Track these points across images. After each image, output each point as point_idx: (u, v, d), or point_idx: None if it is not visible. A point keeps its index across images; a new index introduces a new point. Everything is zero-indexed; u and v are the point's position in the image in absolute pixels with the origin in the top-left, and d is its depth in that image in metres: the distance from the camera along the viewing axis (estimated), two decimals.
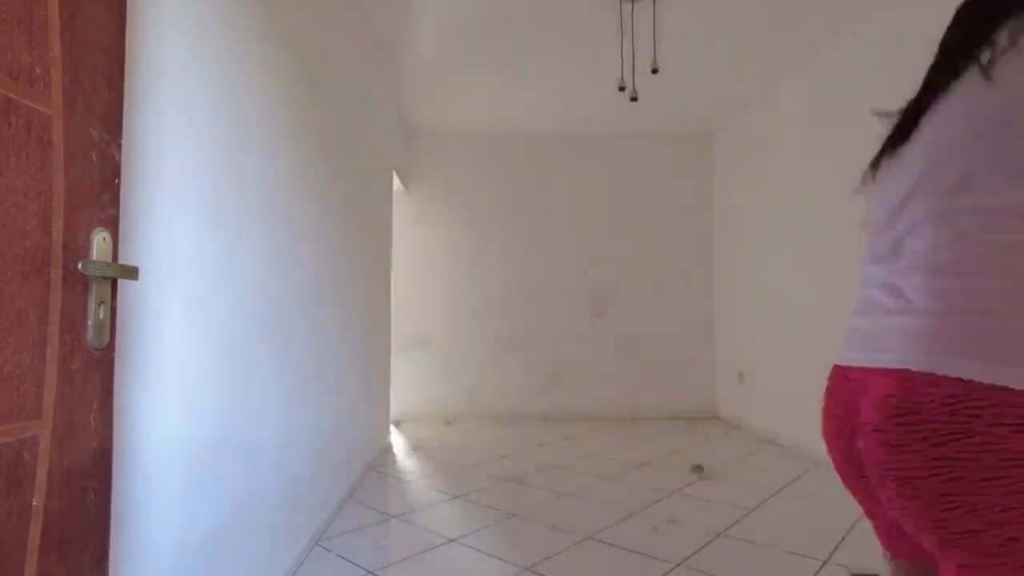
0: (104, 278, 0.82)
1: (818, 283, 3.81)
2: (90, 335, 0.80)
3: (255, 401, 1.85)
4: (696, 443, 4.38)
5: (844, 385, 0.80)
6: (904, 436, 0.63)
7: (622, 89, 3.34)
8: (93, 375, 0.81)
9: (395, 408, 4.96)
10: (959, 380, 0.60)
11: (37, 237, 0.72)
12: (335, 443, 2.82)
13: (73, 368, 0.77)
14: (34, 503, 0.71)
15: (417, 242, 5.45)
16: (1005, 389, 0.57)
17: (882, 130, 0.84)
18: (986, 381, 0.58)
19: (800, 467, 3.61)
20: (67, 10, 0.76)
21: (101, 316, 0.81)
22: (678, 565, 2.20)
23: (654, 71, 3.14)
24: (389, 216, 4.53)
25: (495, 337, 5.45)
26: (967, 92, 0.68)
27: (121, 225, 1.16)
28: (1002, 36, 0.67)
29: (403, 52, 3.91)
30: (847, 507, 2.85)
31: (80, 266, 0.78)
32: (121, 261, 1.14)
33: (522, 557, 2.28)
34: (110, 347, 0.84)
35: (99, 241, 0.81)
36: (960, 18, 0.80)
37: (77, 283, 0.78)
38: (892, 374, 0.66)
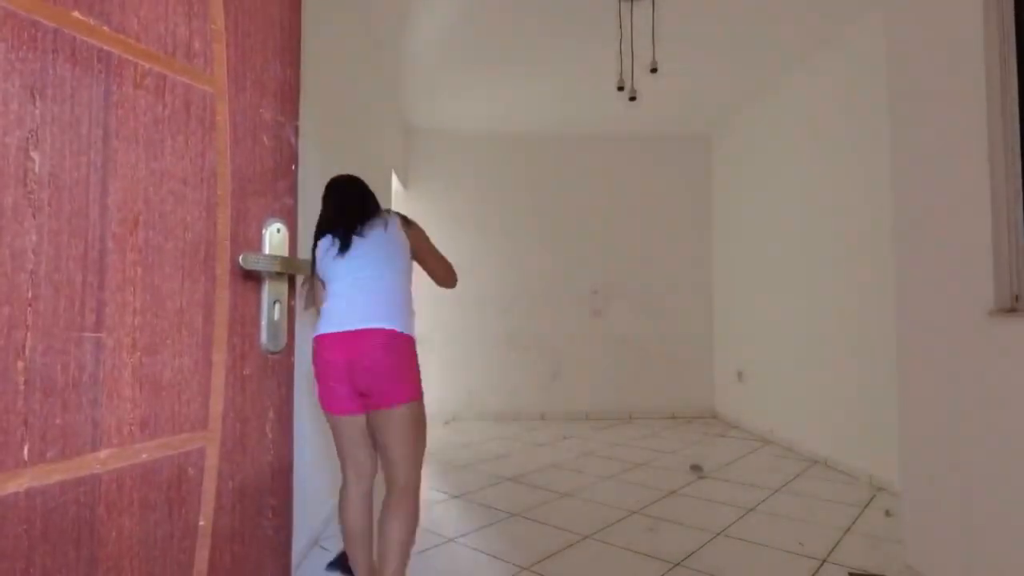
0: (279, 274, 0.73)
1: (817, 283, 3.81)
2: (264, 337, 0.71)
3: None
4: (695, 443, 4.38)
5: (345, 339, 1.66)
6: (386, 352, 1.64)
7: (621, 89, 3.34)
8: (268, 381, 0.72)
9: None
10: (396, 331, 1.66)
11: (199, 229, 0.64)
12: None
13: (245, 374, 0.69)
14: (201, 523, 0.64)
15: None
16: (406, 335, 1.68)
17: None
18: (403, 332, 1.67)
19: (799, 466, 3.61)
20: None
21: (276, 316, 0.73)
22: (677, 564, 2.20)
23: (653, 71, 3.14)
24: None
25: (495, 337, 5.45)
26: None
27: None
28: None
29: (403, 52, 3.91)
30: (846, 507, 2.85)
31: (251, 260, 0.69)
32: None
33: (521, 557, 2.28)
34: (288, 351, 0.75)
35: (272, 233, 0.73)
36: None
37: (248, 280, 0.70)
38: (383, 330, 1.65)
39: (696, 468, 3.54)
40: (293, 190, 0.76)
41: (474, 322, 5.44)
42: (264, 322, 0.72)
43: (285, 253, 0.74)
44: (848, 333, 3.52)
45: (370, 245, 1.72)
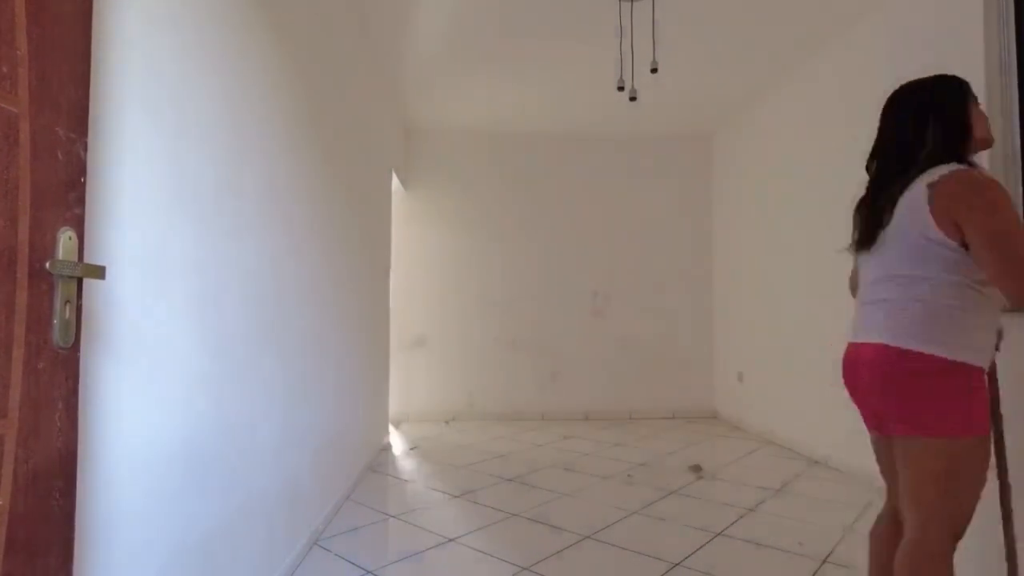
0: (70, 277, 0.81)
1: (817, 283, 3.81)
2: (56, 334, 0.79)
3: (253, 401, 1.85)
4: (695, 443, 4.38)
5: (851, 352, 1.48)
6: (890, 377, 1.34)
7: (621, 89, 3.33)
8: (58, 375, 0.80)
9: (394, 408, 4.96)
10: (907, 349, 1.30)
11: (3, 236, 0.71)
12: (334, 443, 2.82)
13: (39, 367, 0.77)
14: (0, 503, 0.71)
15: (416, 241, 5.45)
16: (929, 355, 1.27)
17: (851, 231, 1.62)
18: (924, 351, 1.27)
19: (798, 466, 3.61)
20: (33, 8, 0.76)
21: (67, 315, 0.81)
22: (677, 565, 2.20)
23: (653, 71, 3.14)
24: (388, 215, 4.53)
25: (495, 337, 5.45)
26: (897, 220, 1.34)
27: (114, 225, 1.16)
28: (929, 135, 1.34)
29: (403, 51, 3.91)
30: (845, 506, 2.85)
31: (47, 265, 0.77)
32: (115, 260, 1.14)
33: (521, 557, 2.28)
34: (75, 346, 0.83)
35: (65, 240, 0.81)
36: (892, 123, 1.44)
37: (43, 282, 0.78)
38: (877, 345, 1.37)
39: (696, 468, 3.54)
40: (82, 201, 0.84)
41: (474, 322, 5.44)
42: (56, 321, 0.79)
43: (75, 258, 0.83)
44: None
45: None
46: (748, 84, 4.42)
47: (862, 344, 1.41)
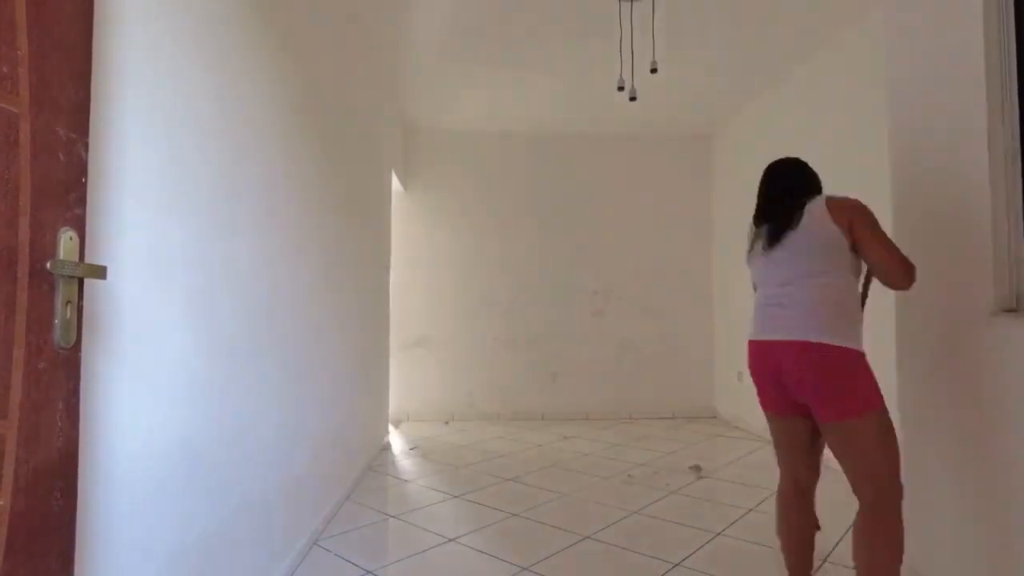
0: (71, 277, 0.81)
1: None
2: (57, 335, 0.79)
3: (253, 401, 1.84)
4: (695, 443, 4.38)
5: (763, 349, 1.74)
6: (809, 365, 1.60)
7: (621, 89, 3.33)
8: (59, 375, 0.80)
9: (394, 408, 4.96)
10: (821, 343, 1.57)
11: (4, 236, 0.71)
12: (333, 443, 2.82)
13: (40, 368, 0.76)
14: (0, 502, 0.71)
15: (416, 241, 5.44)
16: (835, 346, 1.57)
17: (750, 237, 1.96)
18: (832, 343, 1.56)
19: None
20: (34, 8, 0.75)
21: (68, 315, 0.80)
22: (677, 565, 2.20)
23: (653, 71, 3.14)
24: (388, 215, 4.53)
25: (494, 337, 5.45)
26: (802, 232, 1.66)
27: (115, 225, 1.16)
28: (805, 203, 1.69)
29: (402, 52, 3.91)
30: (845, 506, 2.85)
31: (48, 265, 0.77)
32: (114, 260, 1.14)
33: (521, 557, 2.28)
34: (76, 347, 0.83)
35: (66, 240, 0.80)
36: (781, 191, 1.80)
37: (43, 282, 0.77)
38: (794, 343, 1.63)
39: (695, 468, 3.53)
40: (83, 201, 0.84)
41: (474, 322, 5.44)
42: (57, 321, 0.79)
43: (76, 258, 0.82)
44: None
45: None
46: (748, 84, 4.42)
47: (779, 341, 1.67)
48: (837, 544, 2.38)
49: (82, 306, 0.84)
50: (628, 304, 5.53)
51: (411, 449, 4.21)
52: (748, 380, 5.38)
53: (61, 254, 0.80)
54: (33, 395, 0.75)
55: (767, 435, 4.45)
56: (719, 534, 2.51)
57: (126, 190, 1.19)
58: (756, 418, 4.66)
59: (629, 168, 5.61)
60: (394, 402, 4.94)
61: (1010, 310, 1.64)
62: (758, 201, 1.88)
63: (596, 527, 2.60)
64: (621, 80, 3.36)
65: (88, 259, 0.91)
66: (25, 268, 0.74)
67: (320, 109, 2.59)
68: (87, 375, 1.04)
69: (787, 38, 3.69)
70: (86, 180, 0.85)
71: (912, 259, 1.57)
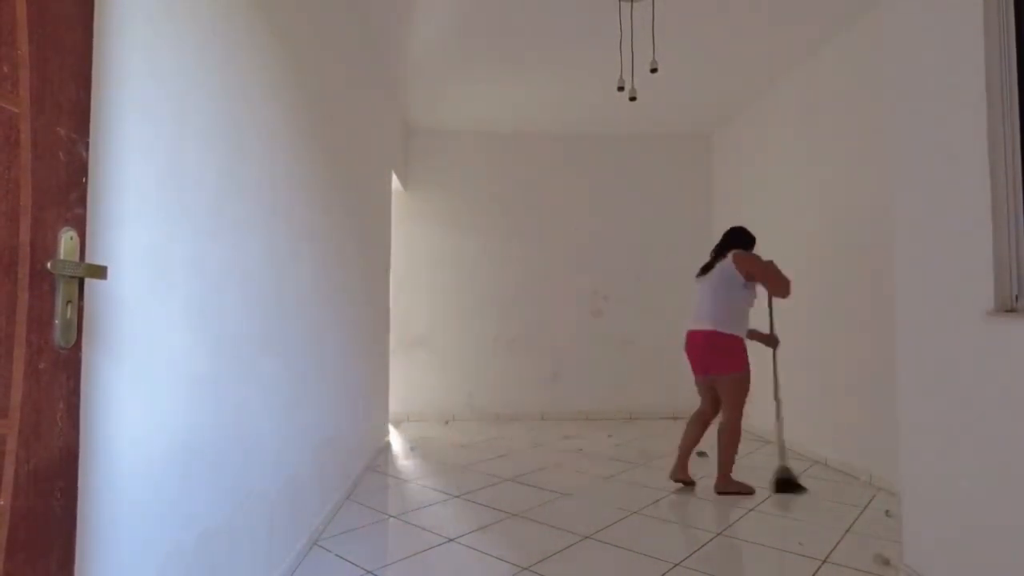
0: (71, 277, 0.81)
1: (816, 283, 3.81)
2: (57, 334, 0.79)
3: (253, 401, 1.85)
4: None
5: (690, 334, 3.25)
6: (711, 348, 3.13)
7: (621, 89, 3.34)
8: (60, 375, 0.80)
9: (394, 408, 4.96)
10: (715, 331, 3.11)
11: (5, 236, 0.71)
12: (334, 443, 2.82)
13: (40, 367, 0.76)
14: (0, 503, 0.71)
15: (416, 241, 5.45)
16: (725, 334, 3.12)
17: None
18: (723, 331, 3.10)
19: (798, 466, 3.61)
20: (35, 9, 0.75)
21: (68, 315, 0.80)
22: (677, 565, 2.20)
23: (653, 71, 3.14)
24: (388, 216, 4.53)
25: (494, 337, 5.45)
26: (716, 271, 3.17)
27: (116, 225, 1.16)
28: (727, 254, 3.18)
29: (403, 52, 3.91)
30: (845, 506, 2.85)
31: (49, 265, 0.77)
32: (114, 260, 1.14)
33: (521, 557, 2.28)
34: (77, 347, 0.83)
35: (66, 240, 0.80)
36: (719, 246, 3.32)
37: (44, 282, 0.77)
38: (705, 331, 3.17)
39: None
40: (84, 201, 0.84)
41: (474, 322, 5.44)
42: (58, 321, 0.79)
43: (77, 258, 0.82)
44: (848, 333, 3.51)
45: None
46: (747, 84, 4.42)
47: (699, 330, 3.15)
48: (837, 544, 2.38)
49: (82, 306, 0.84)
50: (628, 304, 5.53)
51: (411, 449, 4.21)
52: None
53: (62, 254, 0.79)
54: (33, 395, 0.75)
55: (767, 435, 4.48)
56: (719, 534, 2.51)
57: (127, 190, 1.19)
58: (756, 418, 4.66)
59: (629, 168, 5.61)
60: (394, 402, 4.94)
61: (1010, 310, 1.64)
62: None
63: (596, 527, 2.60)
64: (621, 80, 3.36)
65: (88, 259, 0.91)
66: (26, 268, 0.74)
67: (321, 109, 2.60)
68: (87, 375, 1.04)
69: (787, 38, 3.69)
70: (87, 180, 0.85)
71: (911, 258, 1.58)
